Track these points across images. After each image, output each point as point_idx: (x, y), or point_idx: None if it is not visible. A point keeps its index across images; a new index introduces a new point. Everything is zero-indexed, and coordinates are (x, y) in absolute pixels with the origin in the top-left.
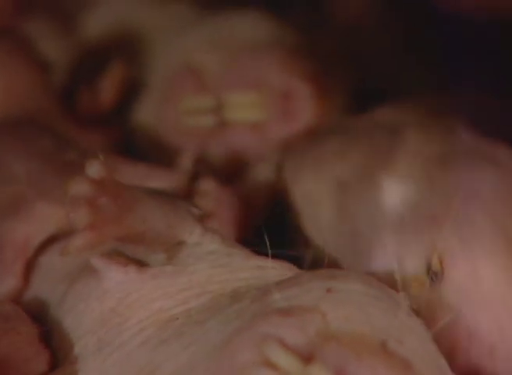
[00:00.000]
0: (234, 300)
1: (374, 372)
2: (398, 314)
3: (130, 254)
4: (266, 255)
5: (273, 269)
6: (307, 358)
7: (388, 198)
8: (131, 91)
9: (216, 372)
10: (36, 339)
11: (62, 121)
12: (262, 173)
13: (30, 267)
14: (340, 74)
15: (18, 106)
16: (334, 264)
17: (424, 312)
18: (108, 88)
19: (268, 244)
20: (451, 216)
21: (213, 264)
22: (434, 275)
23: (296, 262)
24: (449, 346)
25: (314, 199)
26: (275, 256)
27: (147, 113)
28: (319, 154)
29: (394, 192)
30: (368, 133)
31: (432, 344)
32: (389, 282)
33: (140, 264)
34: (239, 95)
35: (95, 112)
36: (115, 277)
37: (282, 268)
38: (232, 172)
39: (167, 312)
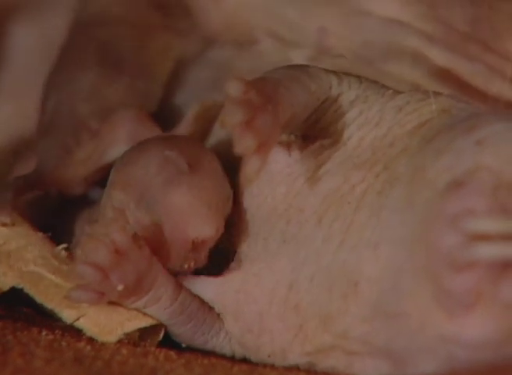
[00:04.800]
0: (390, 176)
1: None
2: None
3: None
4: None
5: (409, 107)
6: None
7: None
8: None
9: (429, 266)
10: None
11: None
12: None
13: None
14: None
15: None
16: None
17: None
18: None
19: None
20: None
21: (358, 123)
22: None
23: None
24: None
25: None
26: None
27: None
28: None
29: None
30: None
31: None
32: None
33: (299, 143)
34: None
35: None
36: (282, 159)
37: (416, 102)
38: None
39: (336, 194)
